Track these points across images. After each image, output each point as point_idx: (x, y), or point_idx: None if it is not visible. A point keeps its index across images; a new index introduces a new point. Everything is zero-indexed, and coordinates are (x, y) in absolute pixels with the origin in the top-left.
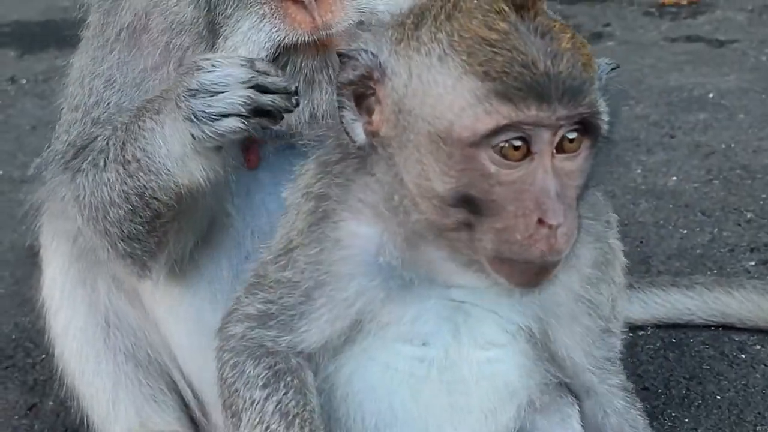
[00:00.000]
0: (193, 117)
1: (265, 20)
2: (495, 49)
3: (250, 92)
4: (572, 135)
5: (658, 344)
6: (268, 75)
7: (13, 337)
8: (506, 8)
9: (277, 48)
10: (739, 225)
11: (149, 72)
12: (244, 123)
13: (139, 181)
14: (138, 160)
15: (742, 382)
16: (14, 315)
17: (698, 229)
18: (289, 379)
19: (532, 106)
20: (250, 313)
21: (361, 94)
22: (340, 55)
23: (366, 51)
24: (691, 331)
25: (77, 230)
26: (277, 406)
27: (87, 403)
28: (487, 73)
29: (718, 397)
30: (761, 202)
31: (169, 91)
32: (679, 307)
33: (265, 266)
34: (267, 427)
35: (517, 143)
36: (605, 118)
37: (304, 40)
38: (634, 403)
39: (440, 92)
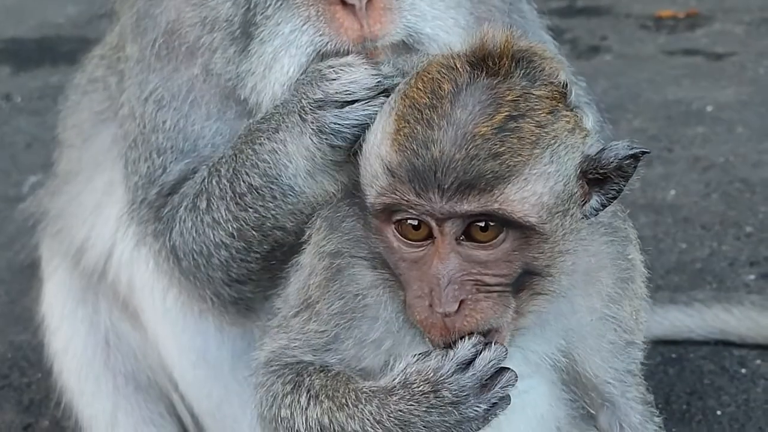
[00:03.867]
0: (323, 130)
1: (309, 23)
2: (417, 116)
3: (381, 100)
4: (482, 223)
5: (658, 359)
6: (392, 77)
7: (9, 356)
8: (460, 66)
9: (317, 55)
10: (739, 239)
11: (193, 81)
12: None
13: (257, 212)
14: (257, 189)
15: (743, 397)
16: (9, 334)
17: (697, 243)
18: (311, 368)
19: (410, 191)
20: (276, 346)
21: None
22: None
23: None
24: (691, 346)
25: (79, 250)
26: (307, 394)
27: (85, 424)
28: (395, 141)
29: (719, 412)
30: (760, 216)
31: (289, 104)
32: (678, 325)
33: (288, 320)
34: (308, 422)
35: (415, 223)
36: (532, 214)
37: (347, 50)
38: (653, 417)
39: (369, 147)
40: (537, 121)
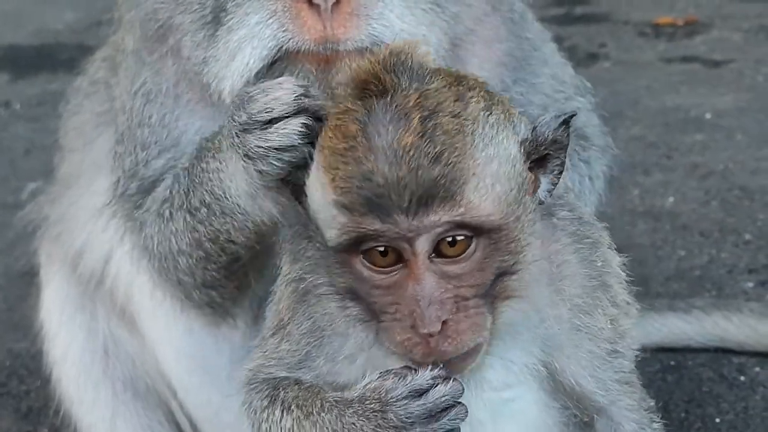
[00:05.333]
0: (250, 154)
1: (274, 17)
2: (343, 160)
3: (302, 119)
4: (450, 238)
5: (656, 367)
6: (317, 98)
7: (7, 363)
8: (351, 105)
9: (278, 51)
10: (737, 246)
11: (179, 76)
12: (301, 153)
13: (211, 225)
14: (208, 205)
15: (742, 405)
16: (8, 341)
17: (696, 250)
18: (285, 383)
19: (374, 220)
20: (254, 365)
21: None
22: None
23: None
24: (689, 354)
25: (77, 256)
26: (281, 406)
27: None
28: (336, 186)
29: (718, 420)
30: (759, 224)
31: (225, 127)
32: (677, 332)
33: (265, 340)
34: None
35: (383, 249)
36: (495, 211)
37: (308, 49)
38: (651, 424)
39: (314, 199)
40: (450, 112)
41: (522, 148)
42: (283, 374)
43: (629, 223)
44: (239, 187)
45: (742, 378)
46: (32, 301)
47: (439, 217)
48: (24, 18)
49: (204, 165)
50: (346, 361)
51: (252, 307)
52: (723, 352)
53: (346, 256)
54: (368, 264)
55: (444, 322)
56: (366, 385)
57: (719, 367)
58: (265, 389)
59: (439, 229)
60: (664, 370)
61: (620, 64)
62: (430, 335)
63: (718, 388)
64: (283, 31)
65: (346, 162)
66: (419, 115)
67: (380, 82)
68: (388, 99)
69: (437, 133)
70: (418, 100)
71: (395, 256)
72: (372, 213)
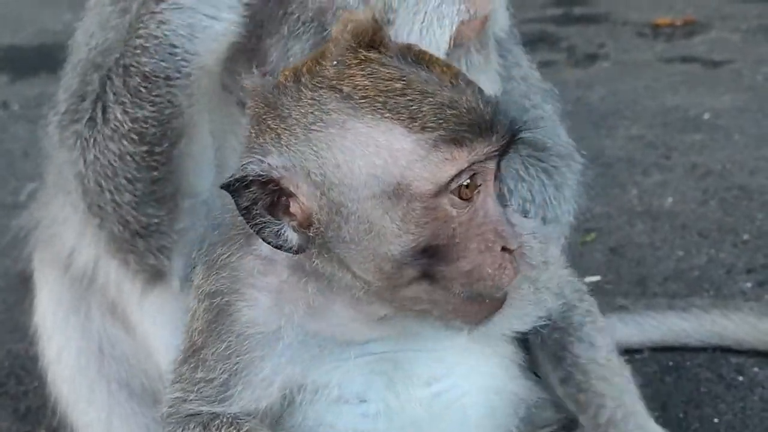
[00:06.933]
0: None
1: None
2: (414, 97)
3: None
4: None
5: (654, 367)
6: None
7: (6, 364)
8: (368, 55)
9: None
10: (736, 246)
11: None
12: None
13: (152, 103)
14: (148, 76)
15: (740, 405)
16: (6, 342)
17: (695, 250)
18: (217, 422)
19: (482, 143)
20: (173, 397)
21: (270, 203)
22: (225, 187)
23: (251, 163)
24: (688, 354)
25: (70, 256)
26: None
27: None
28: (427, 123)
29: (716, 420)
30: (758, 223)
31: None
32: (676, 330)
33: (179, 367)
34: None
35: (468, 181)
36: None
37: (473, 18)
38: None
39: (373, 152)
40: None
41: None
42: (206, 408)
43: (628, 222)
44: (198, 14)
45: (741, 378)
46: (31, 301)
47: (512, 126)
48: (23, 19)
49: (142, 31)
50: (263, 385)
51: (184, 265)
52: (721, 351)
53: (434, 203)
54: (456, 200)
55: None
56: None
57: (717, 367)
58: (193, 427)
59: (505, 141)
60: (662, 370)
61: (619, 64)
62: (511, 252)
63: (717, 388)
64: (462, 4)
65: (419, 98)
66: (429, 56)
67: (380, 34)
68: (397, 48)
69: (452, 68)
70: (413, 47)
71: (473, 183)
72: (478, 137)
